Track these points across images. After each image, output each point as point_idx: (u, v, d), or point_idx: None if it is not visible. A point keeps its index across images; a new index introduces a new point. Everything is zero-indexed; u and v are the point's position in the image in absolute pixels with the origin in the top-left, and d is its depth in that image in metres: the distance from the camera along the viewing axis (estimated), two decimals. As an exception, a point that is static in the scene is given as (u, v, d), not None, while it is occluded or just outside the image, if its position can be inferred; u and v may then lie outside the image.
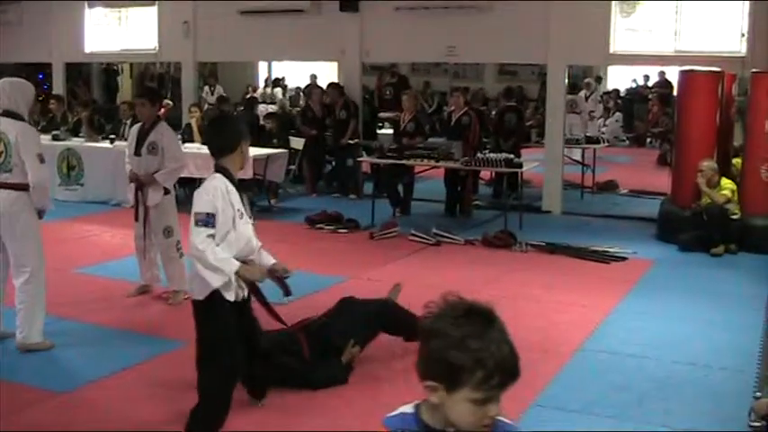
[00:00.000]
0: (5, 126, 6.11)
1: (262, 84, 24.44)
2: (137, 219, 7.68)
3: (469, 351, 1.90)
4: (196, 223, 4.38)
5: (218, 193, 4.42)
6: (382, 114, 16.31)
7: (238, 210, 4.50)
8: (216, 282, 4.40)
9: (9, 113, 6.17)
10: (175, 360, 6.01)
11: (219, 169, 4.56)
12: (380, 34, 13.08)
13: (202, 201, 4.43)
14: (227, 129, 4.77)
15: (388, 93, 16.99)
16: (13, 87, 6.30)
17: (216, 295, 4.44)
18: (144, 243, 7.71)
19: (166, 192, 7.58)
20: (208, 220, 4.37)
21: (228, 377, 4.66)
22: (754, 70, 10.24)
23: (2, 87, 6.25)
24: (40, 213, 6.36)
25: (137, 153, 7.56)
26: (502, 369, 1.93)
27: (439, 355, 1.93)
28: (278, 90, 22.64)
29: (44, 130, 13.53)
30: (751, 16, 10.82)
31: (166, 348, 6.36)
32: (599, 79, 20.90)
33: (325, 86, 14.12)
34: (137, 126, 7.80)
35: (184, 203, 12.04)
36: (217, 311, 4.49)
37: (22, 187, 6.10)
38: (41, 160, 6.21)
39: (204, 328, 4.57)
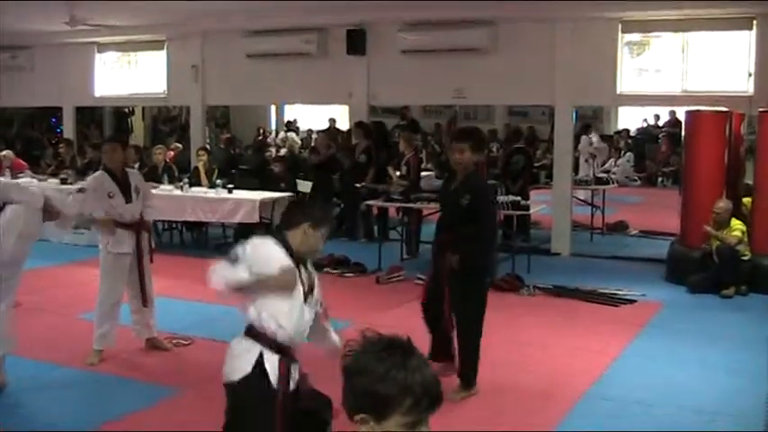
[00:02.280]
0: None
1: (273, 126, 24.54)
2: (141, 270, 7.21)
3: (396, 381, 2.04)
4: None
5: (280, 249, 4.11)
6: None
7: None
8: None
9: None
10: (173, 408, 5.94)
11: (279, 239, 4.17)
12: (387, 77, 13.09)
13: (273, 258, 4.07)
14: (296, 207, 4.66)
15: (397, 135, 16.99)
16: None
17: (258, 371, 3.99)
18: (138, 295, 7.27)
19: None
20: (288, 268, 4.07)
21: None
22: (761, 109, 10.19)
23: None
24: None
25: (128, 200, 7.17)
26: (429, 393, 2.07)
27: (367, 390, 2.06)
28: (291, 134, 22.65)
29: (53, 174, 13.67)
30: (757, 56, 10.81)
31: (164, 395, 6.28)
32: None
33: (349, 126, 13.95)
34: (101, 174, 7.27)
35: (191, 248, 12.21)
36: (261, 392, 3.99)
37: None
38: None
39: (245, 419, 4.02)
